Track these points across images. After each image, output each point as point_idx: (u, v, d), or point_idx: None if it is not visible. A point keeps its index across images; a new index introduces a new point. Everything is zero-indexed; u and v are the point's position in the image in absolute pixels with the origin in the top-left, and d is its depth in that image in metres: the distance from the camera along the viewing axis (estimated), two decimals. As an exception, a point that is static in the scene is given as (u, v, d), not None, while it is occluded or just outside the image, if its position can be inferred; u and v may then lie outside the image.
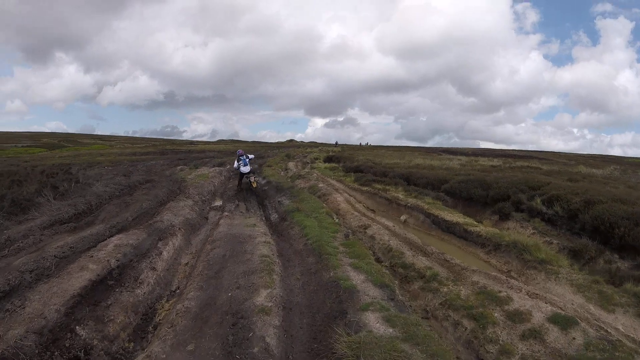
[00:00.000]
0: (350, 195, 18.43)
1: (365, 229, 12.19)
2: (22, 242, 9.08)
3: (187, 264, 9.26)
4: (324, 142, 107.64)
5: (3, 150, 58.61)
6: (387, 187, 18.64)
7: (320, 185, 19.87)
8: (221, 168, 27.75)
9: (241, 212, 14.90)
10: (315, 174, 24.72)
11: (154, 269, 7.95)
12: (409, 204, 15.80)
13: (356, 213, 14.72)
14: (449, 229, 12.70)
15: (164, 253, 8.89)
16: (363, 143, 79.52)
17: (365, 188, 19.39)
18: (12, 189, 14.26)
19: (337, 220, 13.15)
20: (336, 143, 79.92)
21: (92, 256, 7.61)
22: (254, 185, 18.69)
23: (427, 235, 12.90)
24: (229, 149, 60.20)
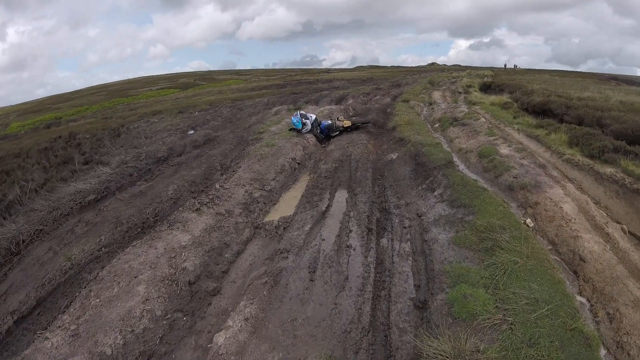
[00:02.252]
0: (581, 193, 7.74)
1: None
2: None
3: None
4: (467, 65, 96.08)
5: (135, 96, 60.30)
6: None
7: (504, 151, 9.50)
8: (337, 106, 19.68)
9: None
10: (480, 117, 13.99)
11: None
12: None
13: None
14: None
15: None
16: (510, 66, 65.10)
17: (605, 169, 8.36)
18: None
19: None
20: (505, 66, 66.68)
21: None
22: (347, 124, 13.50)
23: None
24: (362, 77, 52.93)
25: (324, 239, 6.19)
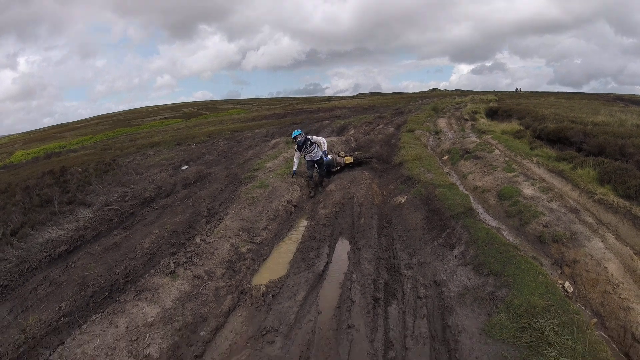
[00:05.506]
0: (623, 244, 6.39)
1: None
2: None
3: None
4: (469, 89, 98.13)
5: (139, 126, 61.13)
6: None
7: (527, 191, 8.34)
8: (338, 138, 18.64)
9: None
10: (494, 148, 12.86)
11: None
12: None
13: None
14: None
15: None
16: (512, 90, 66.09)
17: None
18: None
19: None
20: (517, 90, 67.48)
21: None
22: (348, 160, 12.35)
23: None
24: (363, 105, 52.92)
25: (321, 312, 5.05)
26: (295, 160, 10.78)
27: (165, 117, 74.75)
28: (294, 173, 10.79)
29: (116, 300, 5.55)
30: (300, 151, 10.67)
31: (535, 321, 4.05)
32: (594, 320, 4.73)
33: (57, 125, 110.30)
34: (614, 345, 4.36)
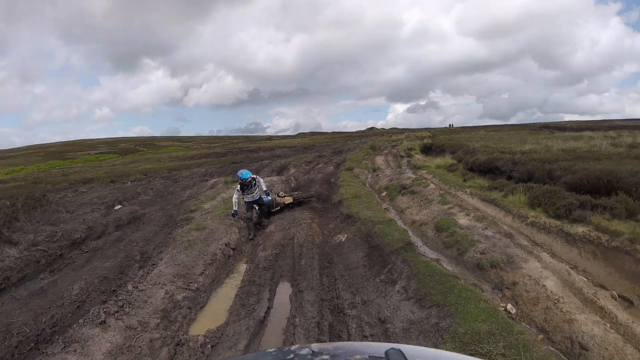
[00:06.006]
0: (558, 261, 6.81)
1: None
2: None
3: None
4: (404, 127, 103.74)
5: (73, 160, 58.91)
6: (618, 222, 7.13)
7: (463, 222, 8.62)
8: (278, 177, 18.73)
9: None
10: (429, 183, 13.30)
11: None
12: None
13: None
14: None
15: None
16: (446, 126, 71.90)
17: (576, 228, 7.51)
18: None
19: None
20: (450, 126, 72.84)
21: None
22: (288, 200, 12.08)
23: None
24: (304, 144, 53.57)
25: (263, 360, 4.81)
26: (235, 200, 10.37)
27: (101, 152, 72.67)
28: (235, 213, 10.33)
29: (43, 352, 5.00)
30: (242, 192, 10.38)
31: (482, 347, 4.07)
32: (540, 336, 4.83)
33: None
34: (564, 357, 4.46)
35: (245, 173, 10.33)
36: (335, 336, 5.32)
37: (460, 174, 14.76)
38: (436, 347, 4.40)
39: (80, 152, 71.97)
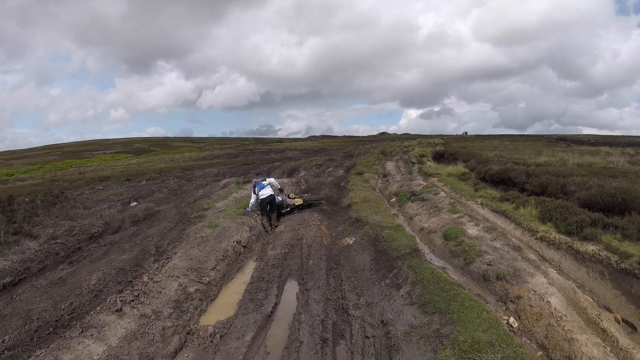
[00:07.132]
0: (565, 279, 6.83)
1: None
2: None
3: None
4: (417, 133, 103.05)
5: (89, 159, 59.73)
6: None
7: (471, 232, 8.75)
8: (289, 179, 18.88)
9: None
10: (440, 191, 13.44)
11: None
12: None
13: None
14: None
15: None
16: (460, 133, 71.26)
17: (586, 247, 7.44)
18: None
19: None
20: (465, 133, 72.25)
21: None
22: (298, 202, 12.43)
23: None
24: (315, 147, 53.36)
25: (269, 353, 5.04)
26: (252, 201, 11.16)
27: (116, 152, 73.57)
28: (250, 208, 11.28)
29: (61, 336, 5.33)
30: (255, 193, 11.03)
31: (480, 356, 4.21)
32: (540, 352, 4.90)
33: (5, 152, 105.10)
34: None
35: (261, 183, 11.16)
36: (338, 334, 5.54)
37: (472, 183, 14.77)
38: (435, 352, 4.57)
39: (95, 152, 73.00)
